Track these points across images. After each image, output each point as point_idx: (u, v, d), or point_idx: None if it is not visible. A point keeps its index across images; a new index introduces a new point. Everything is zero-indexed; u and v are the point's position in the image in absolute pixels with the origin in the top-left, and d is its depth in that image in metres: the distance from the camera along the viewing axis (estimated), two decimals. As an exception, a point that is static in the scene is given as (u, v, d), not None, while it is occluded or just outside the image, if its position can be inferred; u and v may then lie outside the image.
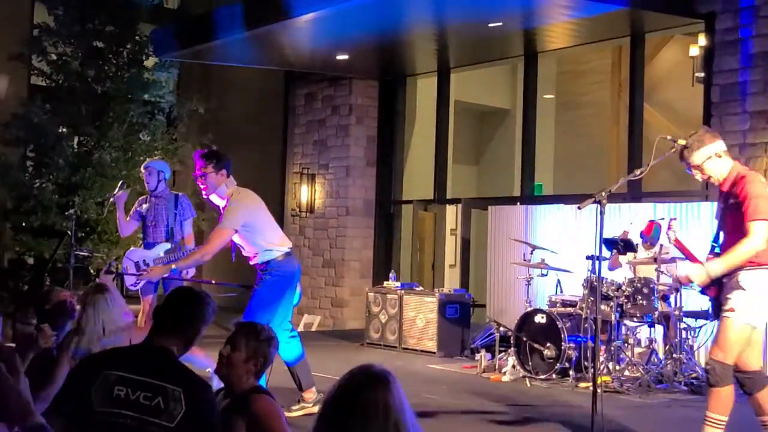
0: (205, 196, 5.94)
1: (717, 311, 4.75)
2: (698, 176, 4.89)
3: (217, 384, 3.69)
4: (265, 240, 5.90)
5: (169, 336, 3.07)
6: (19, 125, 12.42)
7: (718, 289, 4.70)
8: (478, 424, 5.92)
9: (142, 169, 7.63)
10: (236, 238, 5.89)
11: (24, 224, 12.15)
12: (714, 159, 4.74)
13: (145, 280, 6.54)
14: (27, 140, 12.58)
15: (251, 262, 6.02)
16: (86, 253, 9.79)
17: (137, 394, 2.83)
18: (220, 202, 5.89)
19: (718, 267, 4.62)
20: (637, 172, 4.96)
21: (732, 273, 4.60)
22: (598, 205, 4.60)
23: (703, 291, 4.85)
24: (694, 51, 11.68)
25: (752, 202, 4.54)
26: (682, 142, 4.80)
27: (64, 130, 12.32)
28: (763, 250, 4.56)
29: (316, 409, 5.97)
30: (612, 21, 10.04)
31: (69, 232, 8.81)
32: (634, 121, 10.43)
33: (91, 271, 11.97)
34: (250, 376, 3.42)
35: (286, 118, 13.85)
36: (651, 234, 7.89)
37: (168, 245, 7.16)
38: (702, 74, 10.01)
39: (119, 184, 7.91)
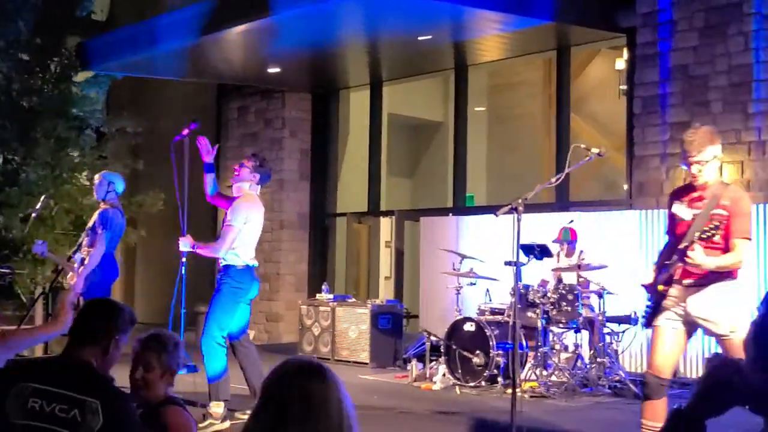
0: (231, 181, 6.65)
1: (652, 317, 4.64)
2: (698, 174, 4.57)
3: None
4: (239, 247, 6.29)
5: (86, 347, 3.06)
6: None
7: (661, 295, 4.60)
8: (405, 430, 5.99)
9: (96, 176, 7.82)
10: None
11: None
12: (715, 161, 4.60)
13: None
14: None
15: (220, 261, 6.42)
16: (7, 271, 9.61)
17: (53, 406, 2.80)
18: (235, 192, 6.54)
19: (712, 261, 4.46)
20: (553, 179, 5.08)
21: (705, 284, 4.51)
22: (515, 212, 4.69)
23: (650, 290, 4.71)
24: (620, 65, 11.99)
25: (741, 219, 4.48)
26: (595, 151, 4.90)
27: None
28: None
29: (224, 426, 6.15)
30: (539, 35, 10.28)
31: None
32: (562, 132, 10.66)
33: (17, 290, 11.74)
34: (167, 387, 3.42)
35: (219, 132, 13.79)
36: (562, 238, 8.12)
37: (78, 256, 7.41)
38: (626, 87, 10.30)
39: (42, 199, 7.89)
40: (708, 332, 4.62)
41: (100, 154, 12.59)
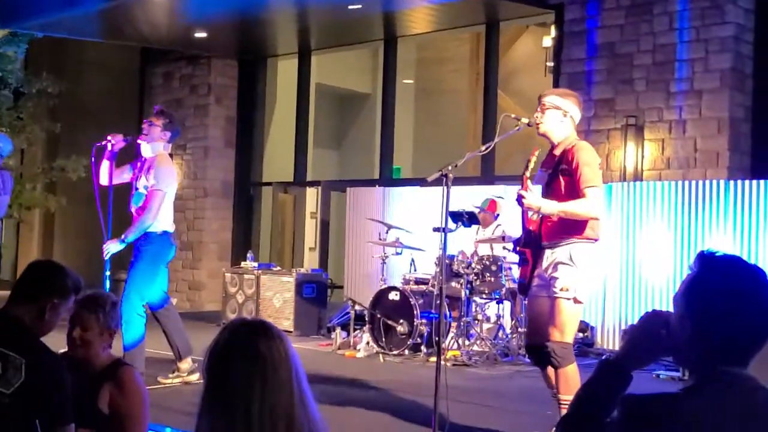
0: (139, 140, 6.24)
1: (527, 287, 4.66)
2: (537, 117, 4.66)
3: None
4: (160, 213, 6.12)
5: (20, 305, 3.01)
6: None
7: (533, 262, 4.61)
8: (328, 396, 5.98)
9: None
10: (137, 202, 6.15)
11: None
12: (560, 114, 4.62)
13: None
14: None
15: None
16: None
17: None
18: (148, 153, 6.20)
19: (553, 206, 4.45)
20: (482, 147, 5.08)
21: (556, 244, 4.51)
22: (445, 178, 4.68)
23: (519, 253, 4.74)
24: (547, 42, 12.14)
25: (584, 169, 4.45)
26: (525, 120, 4.89)
27: None
28: (594, 224, 4.52)
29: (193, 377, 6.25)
30: (469, 8, 10.32)
31: None
32: (489, 107, 10.75)
33: None
34: (106, 347, 3.37)
35: (142, 97, 13.50)
36: (480, 205, 8.21)
37: None
38: (552, 64, 10.43)
39: None
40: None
41: (18, 115, 12.19)
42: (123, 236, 6.06)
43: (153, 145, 6.23)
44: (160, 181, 6.13)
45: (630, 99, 9.09)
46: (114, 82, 14.75)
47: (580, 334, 8.35)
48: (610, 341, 8.52)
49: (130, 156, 6.67)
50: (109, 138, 6.18)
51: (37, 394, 2.84)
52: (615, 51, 9.27)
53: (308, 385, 1.99)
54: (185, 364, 6.31)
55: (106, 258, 6.10)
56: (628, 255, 8.45)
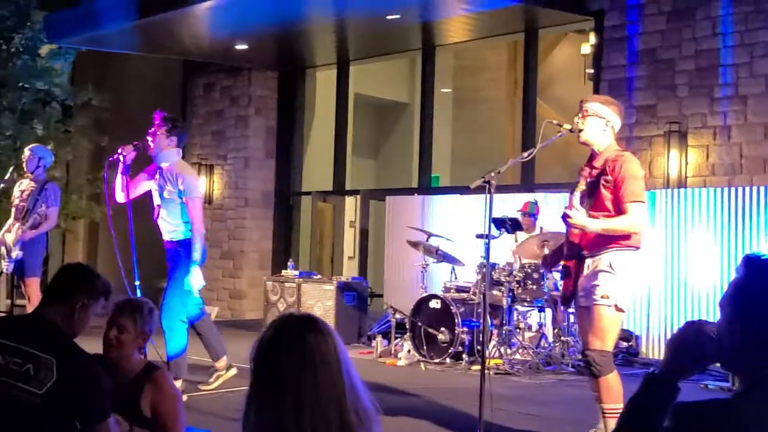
0: (149, 154, 6.20)
1: (570, 297, 4.65)
2: (578, 123, 4.63)
3: None
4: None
5: (52, 307, 3.08)
6: None
7: (575, 274, 4.58)
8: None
9: (26, 150, 7.77)
10: (168, 210, 6.10)
11: None
12: (603, 123, 4.60)
13: (12, 263, 7.28)
14: None
15: (167, 236, 6.14)
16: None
17: (8, 359, 2.87)
18: (163, 164, 6.14)
19: (597, 224, 4.44)
20: (525, 154, 5.08)
21: (596, 253, 4.48)
22: (487, 185, 4.68)
23: (562, 266, 4.71)
24: (586, 49, 12.08)
25: (630, 182, 4.42)
26: (567, 126, 4.88)
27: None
28: (636, 234, 4.49)
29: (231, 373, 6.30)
30: (507, 16, 10.31)
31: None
32: (528, 115, 10.71)
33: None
34: (139, 351, 3.45)
35: (184, 108, 13.67)
36: (528, 210, 8.19)
37: (17, 224, 7.42)
38: (592, 71, 10.38)
39: (9, 170, 7.90)
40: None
41: (65, 128, 12.41)
42: (192, 259, 5.99)
43: (164, 154, 6.13)
44: (193, 189, 6.10)
45: (672, 105, 9.01)
46: (156, 94, 14.90)
47: (625, 344, 8.28)
48: (656, 350, 8.42)
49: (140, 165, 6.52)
50: (120, 151, 6.12)
51: (71, 393, 2.89)
52: (656, 57, 9.19)
53: (357, 375, 2.00)
54: (221, 362, 6.37)
55: (198, 289, 6.07)
56: (673, 262, 8.36)
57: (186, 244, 6.10)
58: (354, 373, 1.99)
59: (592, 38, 10.32)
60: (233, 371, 6.34)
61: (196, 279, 5.97)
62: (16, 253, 7.34)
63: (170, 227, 6.14)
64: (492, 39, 11.83)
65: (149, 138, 6.15)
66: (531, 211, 8.27)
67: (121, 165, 6.15)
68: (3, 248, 7.44)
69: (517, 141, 11.74)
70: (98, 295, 3.18)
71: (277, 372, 1.91)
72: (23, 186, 7.60)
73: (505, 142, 14.29)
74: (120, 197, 6.19)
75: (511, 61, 14.16)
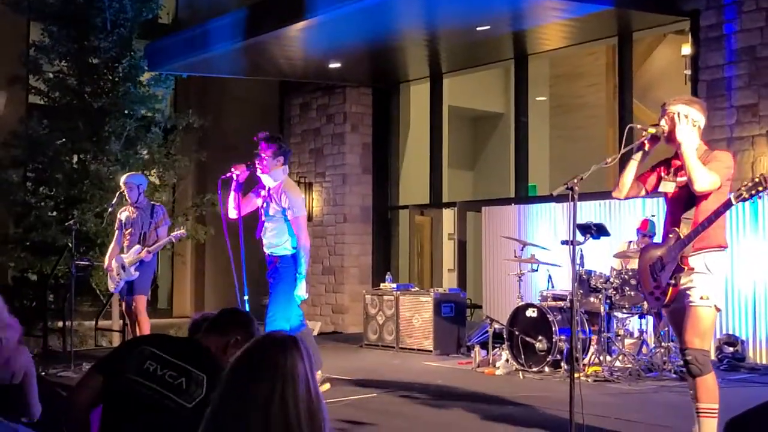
0: (259, 175, 6.51)
1: (661, 301, 4.62)
2: (663, 125, 4.69)
3: None
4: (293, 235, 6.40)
5: (211, 336, 3.31)
6: (18, 143, 12.60)
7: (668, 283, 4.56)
8: (467, 411, 6.02)
9: (122, 184, 8.16)
10: (272, 226, 6.40)
11: (26, 242, 12.31)
12: (691, 123, 4.62)
13: (123, 282, 7.80)
14: (26, 159, 12.75)
15: (269, 250, 6.43)
16: (86, 263, 9.98)
17: (164, 371, 3.04)
18: (271, 183, 6.46)
19: (689, 148, 4.51)
20: (608, 159, 5.02)
21: (692, 255, 4.49)
22: (571, 192, 4.67)
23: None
24: (686, 50, 11.79)
25: (716, 163, 4.50)
26: (651, 130, 4.83)
27: (62, 142, 12.49)
28: (721, 231, 4.54)
29: (325, 387, 6.41)
30: (600, 21, 10.18)
31: (69, 244, 9.10)
32: (624, 120, 10.53)
33: (93, 284, 12.09)
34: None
35: (281, 128, 14.01)
36: (647, 229, 8.00)
37: (139, 246, 7.87)
38: (690, 72, 10.13)
39: (117, 194, 8.37)
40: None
41: (168, 151, 12.91)
42: (296, 273, 6.31)
43: (272, 175, 6.47)
44: (298, 207, 6.42)
45: (773, 103, 8.72)
46: (254, 115, 15.36)
47: (730, 349, 8.05)
48: (763, 355, 8.14)
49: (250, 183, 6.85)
50: (233, 170, 6.46)
51: None
52: (756, 55, 8.92)
53: (321, 393, 2.18)
54: (317, 375, 6.48)
55: (300, 300, 6.39)
56: (780, 264, 8.09)
57: (286, 260, 6.35)
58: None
59: (689, 37, 10.08)
60: (327, 386, 6.44)
61: (301, 290, 6.29)
62: (133, 273, 7.79)
63: (273, 243, 6.43)
64: (585, 45, 11.69)
65: (257, 162, 6.45)
66: (651, 232, 7.95)
67: (233, 183, 6.49)
68: (114, 269, 7.87)
69: (617, 147, 11.54)
70: (252, 335, 3.37)
71: (249, 386, 2.09)
72: (128, 213, 8.04)
73: (605, 148, 14.05)
74: (232, 214, 6.53)
75: (610, 65, 13.91)
